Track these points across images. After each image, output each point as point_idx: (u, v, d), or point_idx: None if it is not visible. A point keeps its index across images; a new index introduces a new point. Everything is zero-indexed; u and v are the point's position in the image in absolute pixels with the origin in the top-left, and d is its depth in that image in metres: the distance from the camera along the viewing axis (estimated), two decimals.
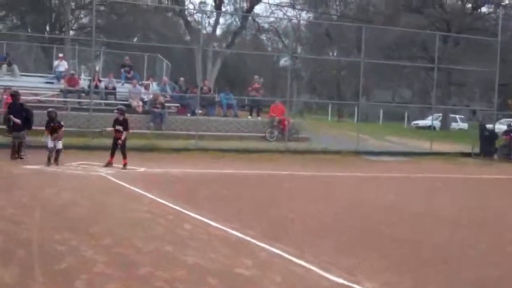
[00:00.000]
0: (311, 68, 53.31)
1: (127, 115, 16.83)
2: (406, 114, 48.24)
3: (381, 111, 46.56)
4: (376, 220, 10.00)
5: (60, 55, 28.40)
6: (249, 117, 27.12)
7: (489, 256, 7.87)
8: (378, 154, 23.61)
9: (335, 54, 55.44)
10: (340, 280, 6.28)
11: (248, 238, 7.98)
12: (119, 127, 15.93)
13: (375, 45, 36.10)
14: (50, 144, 15.62)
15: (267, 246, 7.56)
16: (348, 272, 6.59)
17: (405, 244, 8.29)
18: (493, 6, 46.41)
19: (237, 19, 47.49)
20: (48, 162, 15.35)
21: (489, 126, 27.35)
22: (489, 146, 25.57)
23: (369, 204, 11.79)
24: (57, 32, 45.17)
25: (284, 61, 50.45)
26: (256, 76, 29.22)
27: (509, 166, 22.77)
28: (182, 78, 28.59)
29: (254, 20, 47.09)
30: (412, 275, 6.71)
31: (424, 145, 26.57)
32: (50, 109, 16.72)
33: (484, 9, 48.85)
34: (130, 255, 6.95)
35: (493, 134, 26.35)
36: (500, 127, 29.90)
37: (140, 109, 24.21)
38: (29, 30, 46.48)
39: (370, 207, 11.46)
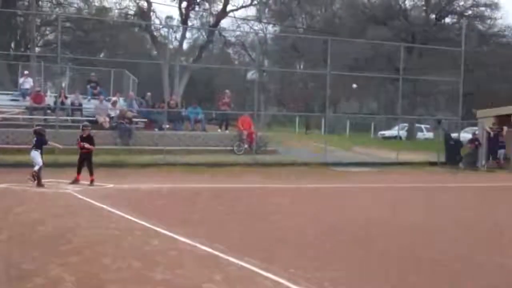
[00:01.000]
0: (278, 81, 53.60)
1: (94, 131, 16.71)
2: (372, 125, 48.77)
3: (348, 122, 46.97)
4: (349, 231, 10.08)
5: (26, 72, 28.09)
6: (219, 130, 27.17)
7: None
8: (346, 165, 23.83)
9: (301, 66, 55.87)
10: None
11: (217, 253, 7.99)
12: (85, 143, 15.79)
13: (341, 58, 36.49)
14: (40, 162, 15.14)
15: (236, 260, 7.56)
16: (318, 284, 6.64)
17: (376, 255, 8.38)
18: (456, 16, 47.39)
19: (203, 33, 47.63)
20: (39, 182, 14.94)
21: (454, 135, 27.82)
22: (454, 155, 26.01)
23: (341, 216, 11.90)
24: (22, 49, 44.67)
25: (251, 75, 50.64)
26: (226, 91, 29.29)
27: (474, 174, 23.20)
28: (149, 93, 28.56)
29: (220, 34, 47.27)
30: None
31: (391, 155, 26.89)
32: (39, 127, 16.39)
33: (447, 20, 49.87)
34: (99, 273, 6.90)
35: (458, 143, 26.81)
36: (465, 135, 30.41)
37: (107, 125, 24.07)
38: None
39: (342, 219, 11.56)
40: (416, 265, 7.76)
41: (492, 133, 25.24)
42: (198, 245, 8.43)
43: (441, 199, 15.31)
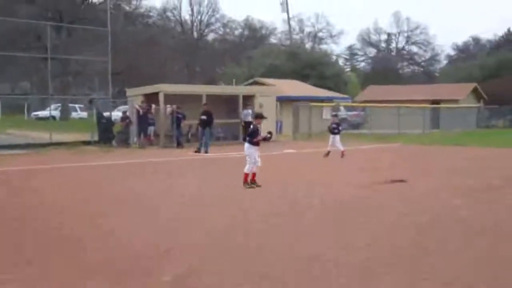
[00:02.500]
0: None
1: None
2: (26, 106, 47.15)
3: (0, 104, 44.60)
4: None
5: None
6: None
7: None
8: None
9: None
10: None
11: None
12: None
13: None
14: None
15: None
16: None
17: None
18: None
19: None
20: None
21: (107, 113, 28.49)
22: (107, 133, 26.67)
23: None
24: None
25: None
26: None
27: (126, 151, 24.12)
28: None
29: None
30: None
31: (45, 136, 26.45)
32: None
33: (95, 0, 50.43)
34: None
35: (110, 121, 27.54)
36: (118, 114, 31.36)
37: None
38: None
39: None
40: None
41: (141, 111, 26.23)
42: None
43: (95, 177, 15.69)
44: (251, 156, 12.88)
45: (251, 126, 13.61)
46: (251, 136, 13.09)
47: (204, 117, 23.67)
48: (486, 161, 20.01)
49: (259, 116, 14.27)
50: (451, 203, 10.64)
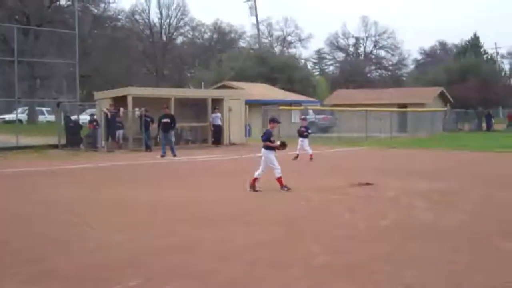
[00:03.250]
0: None
1: None
2: None
3: None
4: None
5: None
6: None
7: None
8: None
9: None
10: None
11: None
12: None
13: None
14: None
15: None
16: None
17: None
18: None
19: None
20: None
21: (74, 117, 28.30)
22: (75, 137, 26.50)
23: None
24: None
25: None
26: None
27: (94, 155, 23.99)
28: None
29: None
30: None
31: (12, 139, 26.18)
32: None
33: (63, 2, 49.98)
34: None
35: (77, 125, 27.37)
36: (86, 117, 31.14)
37: None
38: None
39: None
40: None
41: (109, 114, 26.06)
42: None
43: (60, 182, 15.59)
44: (272, 161, 12.77)
45: (265, 130, 13.51)
46: (266, 140, 12.95)
47: (166, 120, 23.49)
48: (453, 164, 20.39)
49: (274, 121, 13.83)
50: (413, 206, 10.81)
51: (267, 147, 12.92)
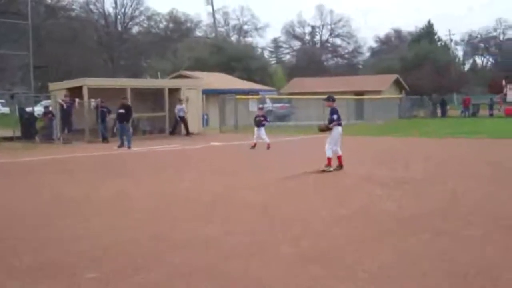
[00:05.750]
0: None
1: None
2: None
3: None
4: None
5: None
6: None
7: None
8: None
9: None
10: None
11: None
12: None
13: None
14: None
15: None
16: None
17: None
18: None
19: None
20: None
21: (29, 109, 27.88)
22: (29, 129, 26.14)
23: None
24: None
25: None
26: None
27: (50, 146, 23.69)
28: None
29: None
30: None
31: None
32: None
33: None
34: None
35: (32, 117, 26.99)
36: (41, 109, 30.67)
37: None
38: None
39: None
40: None
41: (65, 105, 25.72)
42: None
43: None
44: (337, 140, 14.02)
45: (334, 109, 14.29)
46: (338, 120, 14.01)
47: (121, 110, 23.33)
48: (412, 150, 20.85)
49: (332, 99, 14.56)
50: (374, 194, 11.01)
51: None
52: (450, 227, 8.00)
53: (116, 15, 77.52)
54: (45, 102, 34.16)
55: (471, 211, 9.06)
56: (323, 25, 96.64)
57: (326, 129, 14.29)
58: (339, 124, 14.14)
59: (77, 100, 25.97)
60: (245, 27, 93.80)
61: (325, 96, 15.01)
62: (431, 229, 7.87)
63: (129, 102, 24.49)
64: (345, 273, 5.96)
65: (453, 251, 6.75)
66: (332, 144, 13.92)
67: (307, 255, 6.65)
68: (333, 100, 14.48)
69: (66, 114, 25.75)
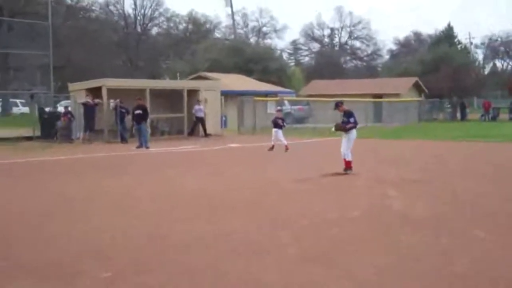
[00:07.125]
0: None
1: None
2: None
3: None
4: None
5: None
6: None
7: None
8: None
9: None
10: None
11: None
12: None
13: None
14: None
15: None
16: None
17: None
18: None
19: None
20: None
21: (48, 108, 28.06)
22: (49, 129, 26.30)
23: None
24: None
25: None
26: None
27: (69, 147, 23.80)
28: None
29: None
30: None
31: None
32: None
33: None
34: None
35: (52, 117, 27.15)
36: (61, 109, 30.82)
37: None
38: None
39: None
40: None
41: (91, 102, 25.70)
42: None
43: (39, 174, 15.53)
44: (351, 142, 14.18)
45: (351, 112, 14.43)
46: (355, 123, 14.18)
47: (138, 111, 23.42)
48: (427, 153, 20.70)
49: (341, 103, 14.77)
50: (385, 195, 10.96)
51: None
52: (453, 227, 7.98)
53: (135, 16, 77.89)
54: (64, 103, 34.36)
55: (478, 214, 9.02)
56: (342, 27, 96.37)
57: (342, 129, 14.20)
58: (355, 127, 14.13)
59: (99, 100, 26.01)
60: (264, 29, 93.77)
61: (333, 105, 15.00)
62: (433, 229, 7.84)
63: (148, 103, 24.53)
64: (345, 273, 5.95)
65: (453, 251, 6.72)
66: (349, 147, 14.01)
67: (307, 255, 6.65)
68: (342, 103, 14.75)
69: (91, 114, 25.80)
